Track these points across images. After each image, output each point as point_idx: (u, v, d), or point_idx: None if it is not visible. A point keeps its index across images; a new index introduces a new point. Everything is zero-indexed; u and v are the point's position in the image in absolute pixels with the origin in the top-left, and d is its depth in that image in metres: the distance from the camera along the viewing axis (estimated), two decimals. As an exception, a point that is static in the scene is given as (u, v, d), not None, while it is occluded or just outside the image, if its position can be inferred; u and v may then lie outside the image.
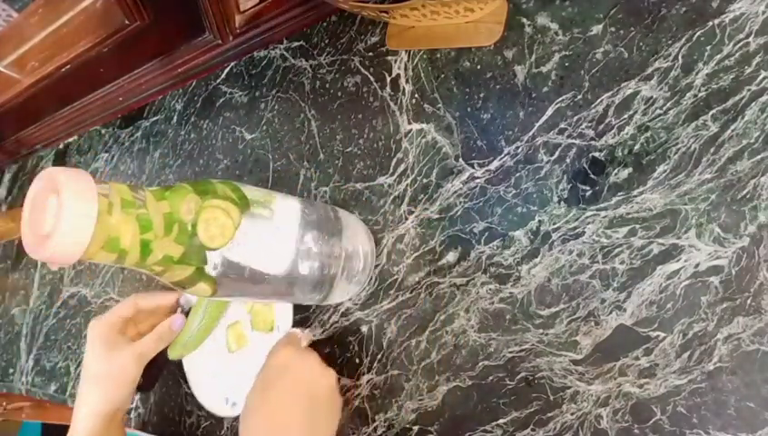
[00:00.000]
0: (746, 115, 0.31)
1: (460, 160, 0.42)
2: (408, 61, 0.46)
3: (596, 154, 0.36)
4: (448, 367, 0.39)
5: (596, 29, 0.37)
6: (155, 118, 0.69)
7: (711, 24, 0.33)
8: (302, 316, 0.47)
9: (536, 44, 0.40)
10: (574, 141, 0.37)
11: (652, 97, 0.35)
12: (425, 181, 0.43)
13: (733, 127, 0.32)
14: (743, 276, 0.30)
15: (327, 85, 0.51)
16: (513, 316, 0.37)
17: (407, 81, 0.46)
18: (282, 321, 0.47)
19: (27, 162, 0.91)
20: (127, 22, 0.55)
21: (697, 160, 0.33)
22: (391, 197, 0.45)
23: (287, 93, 0.55)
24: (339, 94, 0.50)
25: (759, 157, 0.31)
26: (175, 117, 0.66)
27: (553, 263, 0.36)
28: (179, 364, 0.55)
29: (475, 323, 0.38)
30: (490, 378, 0.37)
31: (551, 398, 0.35)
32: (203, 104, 0.63)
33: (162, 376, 0.57)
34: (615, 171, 0.35)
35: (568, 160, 0.37)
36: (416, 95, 0.45)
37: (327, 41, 0.52)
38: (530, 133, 0.39)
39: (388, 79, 0.47)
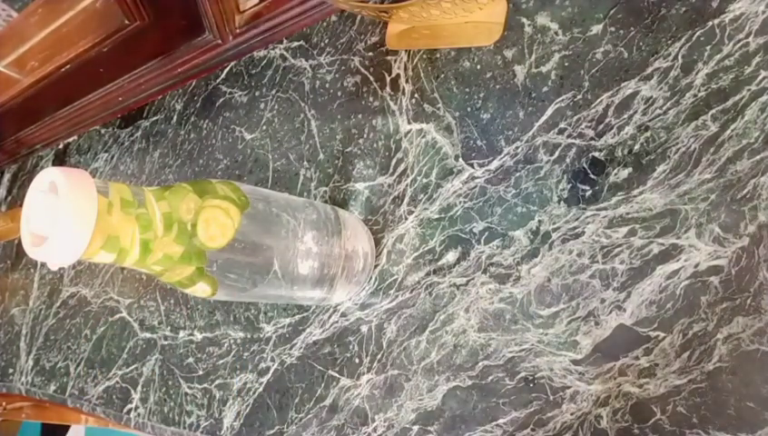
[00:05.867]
0: (746, 115, 0.31)
1: (460, 160, 0.42)
2: (408, 61, 0.46)
3: (596, 154, 0.36)
4: (448, 367, 0.39)
5: (596, 29, 0.37)
6: (155, 118, 0.69)
7: (711, 24, 0.33)
8: (302, 316, 0.48)
9: (535, 44, 0.40)
10: (574, 141, 0.37)
11: (652, 97, 0.35)
12: (425, 181, 0.43)
13: (733, 127, 0.32)
14: (742, 276, 0.30)
15: (327, 85, 0.51)
16: (513, 316, 0.37)
17: (407, 81, 0.46)
18: None
19: (27, 162, 0.91)
20: (127, 22, 0.55)
21: (697, 160, 0.33)
22: (391, 197, 0.45)
23: (287, 92, 0.55)
24: (339, 94, 0.50)
25: (759, 157, 0.31)
26: (175, 117, 0.66)
27: (553, 263, 0.36)
28: (179, 364, 0.56)
29: (475, 323, 0.38)
30: (490, 378, 0.37)
31: (551, 398, 0.35)
32: (203, 104, 0.63)
33: (163, 376, 0.57)
34: (615, 171, 0.35)
35: (568, 160, 0.37)
36: (416, 95, 0.45)
37: (327, 41, 0.52)
38: (530, 133, 0.39)
39: (388, 79, 0.47)
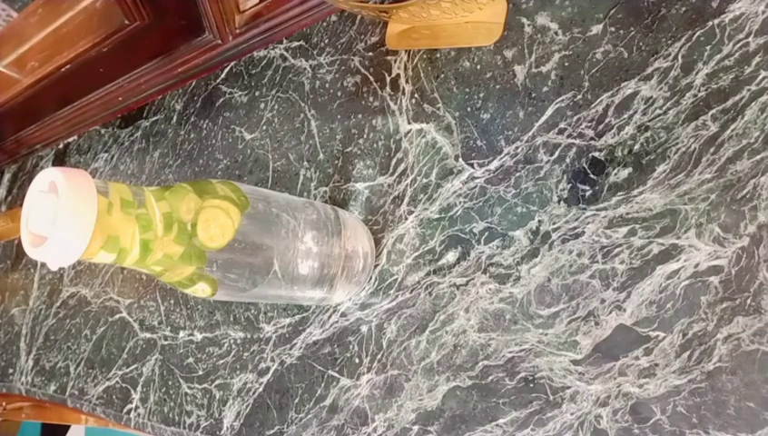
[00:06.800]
0: (746, 115, 0.31)
1: (460, 160, 0.42)
2: (408, 61, 0.46)
3: (596, 154, 0.36)
4: (448, 367, 0.39)
5: (596, 29, 0.37)
6: (155, 118, 0.69)
7: (711, 23, 0.33)
8: (302, 316, 0.48)
9: (535, 44, 0.40)
10: (574, 141, 0.37)
11: (652, 97, 0.35)
12: (425, 181, 0.43)
13: (732, 127, 0.32)
14: (742, 276, 0.30)
15: (327, 85, 0.51)
16: (513, 316, 0.37)
17: (406, 81, 0.46)
18: None
19: (27, 162, 0.91)
20: (127, 22, 0.55)
21: (697, 160, 0.33)
22: (391, 197, 0.45)
23: (287, 93, 0.55)
24: (339, 94, 0.50)
25: (759, 157, 0.31)
26: (175, 117, 0.66)
27: (553, 263, 0.36)
28: (179, 364, 0.56)
29: (475, 323, 0.38)
30: (490, 378, 0.37)
31: (551, 398, 0.35)
32: (203, 104, 0.63)
33: (163, 376, 0.57)
34: (615, 171, 0.35)
35: (568, 160, 0.37)
36: (416, 95, 0.45)
37: (327, 41, 0.52)
38: (530, 133, 0.39)
39: (388, 79, 0.47)
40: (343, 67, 0.51)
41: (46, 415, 0.90)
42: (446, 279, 0.40)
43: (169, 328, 0.58)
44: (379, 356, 0.42)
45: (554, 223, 0.37)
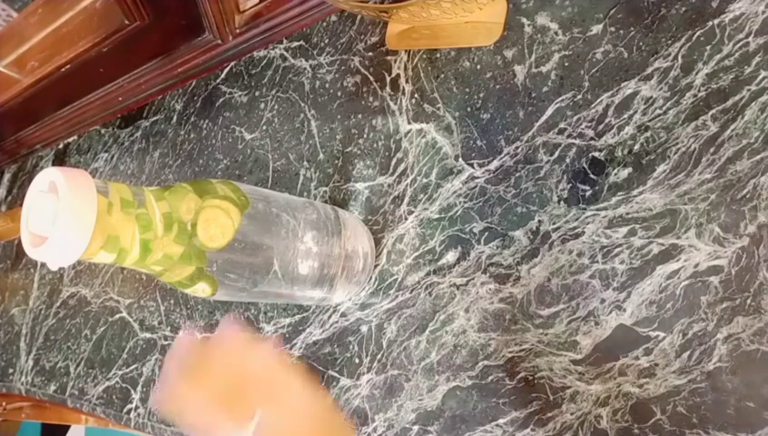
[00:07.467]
0: (746, 115, 0.31)
1: (460, 160, 0.42)
2: (408, 61, 0.46)
3: (596, 154, 0.36)
4: (448, 367, 0.39)
5: (596, 29, 0.37)
6: (155, 118, 0.69)
7: (710, 23, 0.33)
8: (302, 316, 0.47)
9: (535, 44, 0.40)
10: (573, 141, 0.37)
11: (652, 97, 0.35)
12: (425, 181, 0.43)
13: (732, 127, 0.32)
14: (742, 276, 0.30)
15: (327, 85, 0.51)
16: (513, 316, 0.37)
17: (406, 81, 0.46)
18: None
19: (27, 162, 0.91)
20: (127, 22, 0.55)
21: (697, 160, 0.33)
22: (391, 197, 0.45)
23: (287, 92, 0.55)
24: (339, 93, 0.50)
25: (759, 157, 0.31)
26: (175, 117, 0.66)
27: (553, 263, 0.36)
28: (179, 364, 0.56)
29: (475, 323, 0.38)
30: (490, 378, 0.37)
31: (551, 398, 0.35)
32: (203, 104, 0.63)
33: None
34: (615, 171, 0.35)
35: (568, 160, 0.37)
36: (416, 95, 0.45)
37: (327, 41, 0.52)
38: (530, 133, 0.39)
39: (388, 79, 0.47)
40: (343, 67, 0.51)
41: (46, 415, 0.90)
42: (446, 279, 0.40)
43: (169, 328, 0.58)
44: (379, 356, 0.42)
45: (554, 223, 0.37)
